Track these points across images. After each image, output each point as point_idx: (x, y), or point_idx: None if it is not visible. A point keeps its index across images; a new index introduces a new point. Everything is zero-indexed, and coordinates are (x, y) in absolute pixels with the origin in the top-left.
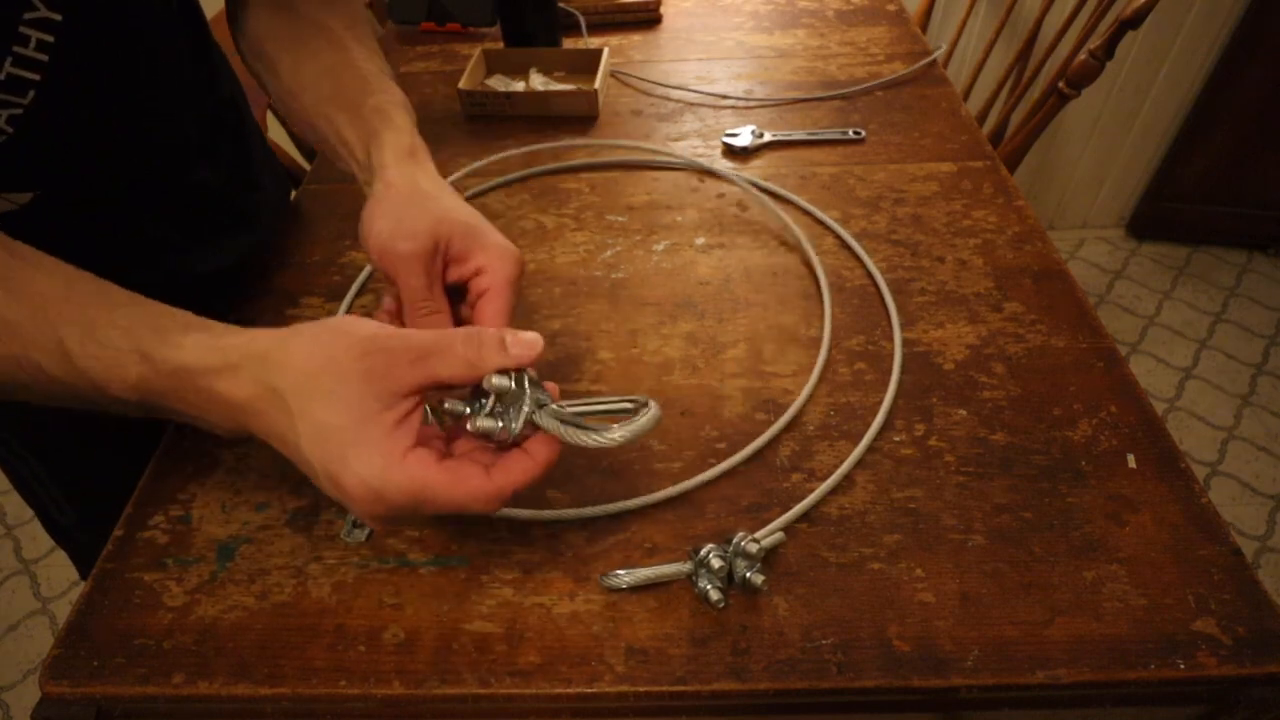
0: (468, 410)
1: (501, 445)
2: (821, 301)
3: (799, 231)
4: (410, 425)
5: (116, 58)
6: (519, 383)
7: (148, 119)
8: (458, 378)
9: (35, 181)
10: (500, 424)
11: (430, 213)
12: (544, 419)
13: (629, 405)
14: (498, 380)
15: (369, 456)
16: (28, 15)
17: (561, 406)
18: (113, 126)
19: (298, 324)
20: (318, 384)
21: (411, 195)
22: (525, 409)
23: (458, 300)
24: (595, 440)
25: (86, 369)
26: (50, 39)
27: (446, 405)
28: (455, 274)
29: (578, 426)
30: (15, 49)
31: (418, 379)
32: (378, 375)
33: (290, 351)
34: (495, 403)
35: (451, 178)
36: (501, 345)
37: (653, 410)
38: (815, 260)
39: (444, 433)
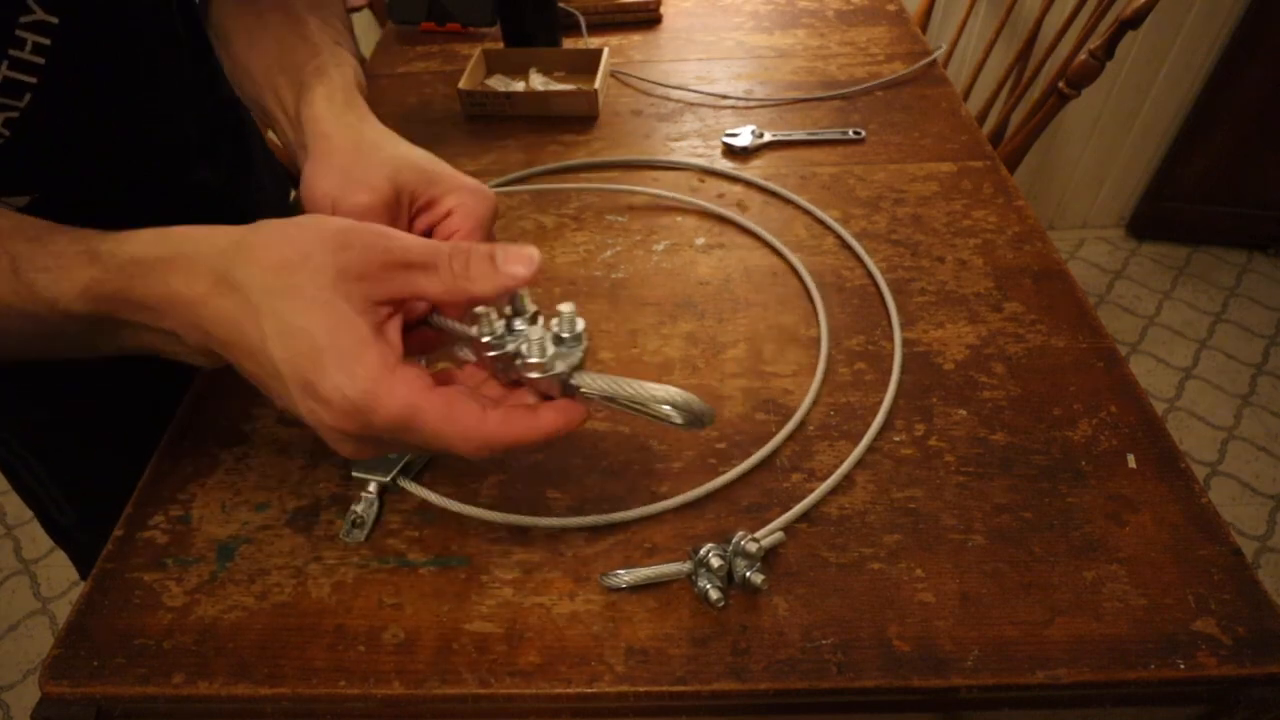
0: (488, 335)
1: (524, 380)
2: (819, 301)
3: (779, 244)
4: (391, 336)
5: (114, 59)
6: (580, 335)
7: (147, 120)
8: (440, 295)
9: (33, 184)
10: (546, 356)
11: (385, 161)
12: (587, 377)
13: (666, 405)
14: (577, 319)
15: (352, 366)
16: (23, 19)
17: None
18: (111, 128)
19: (263, 219)
20: (287, 280)
21: (358, 145)
22: (575, 359)
23: None
24: (652, 402)
25: (35, 282)
26: (46, 42)
27: (479, 313)
28: (425, 222)
29: (632, 389)
30: (11, 52)
31: (396, 289)
32: (353, 274)
33: (255, 244)
34: (542, 337)
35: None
36: (491, 261)
37: (710, 413)
38: (800, 267)
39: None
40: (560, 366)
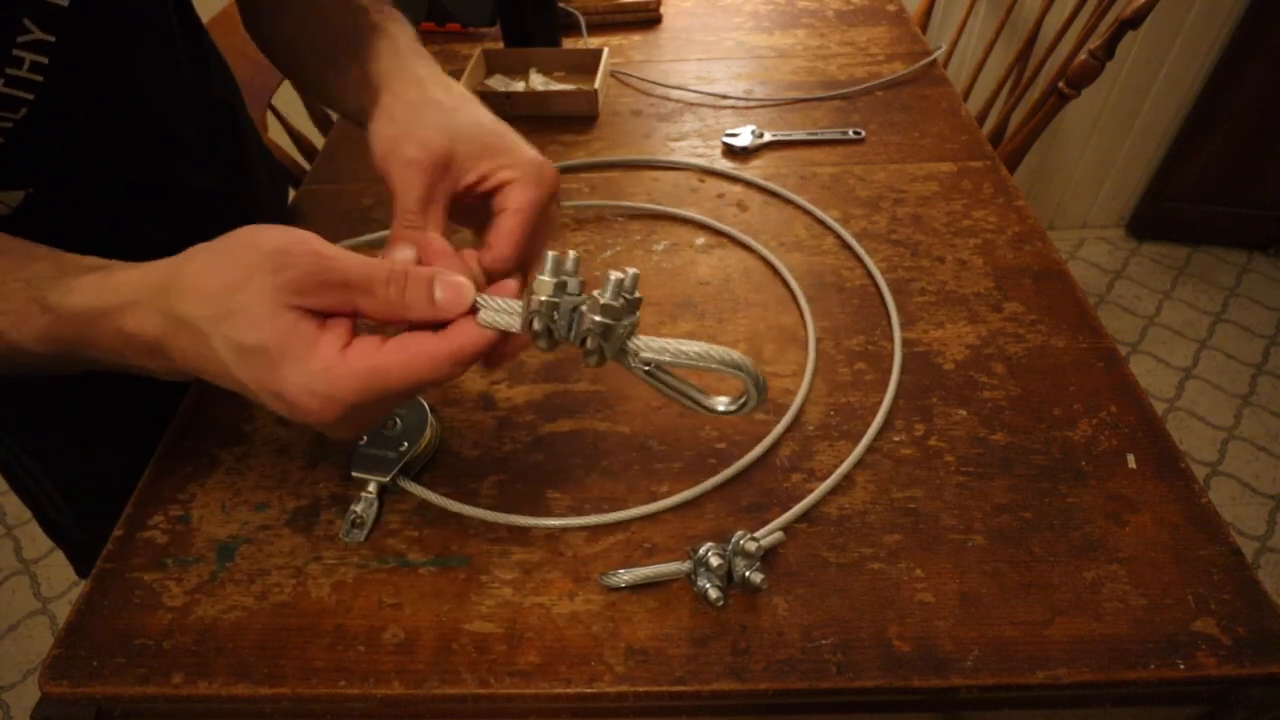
0: (545, 294)
1: (582, 335)
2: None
3: (755, 243)
4: (338, 327)
5: (113, 68)
6: (639, 301)
7: (143, 120)
8: (376, 315)
9: (28, 180)
10: (620, 303)
11: (448, 126)
12: (644, 340)
13: (716, 362)
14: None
15: (305, 363)
16: (21, 39)
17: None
18: (107, 129)
19: (200, 244)
20: (228, 304)
21: (423, 102)
22: (635, 319)
23: (484, 220)
24: (706, 405)
25: None
26: (44, 60)
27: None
28: (481, 194)
29: (682, 383)
30: (8, 71)
31: (333, 306)
32: (292, 290)
33: (191, 274)
34: (608, 291)
35: None
36: (428, 290)
37: (757, 397)
38: (779, 265)
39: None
40: (626, 321)
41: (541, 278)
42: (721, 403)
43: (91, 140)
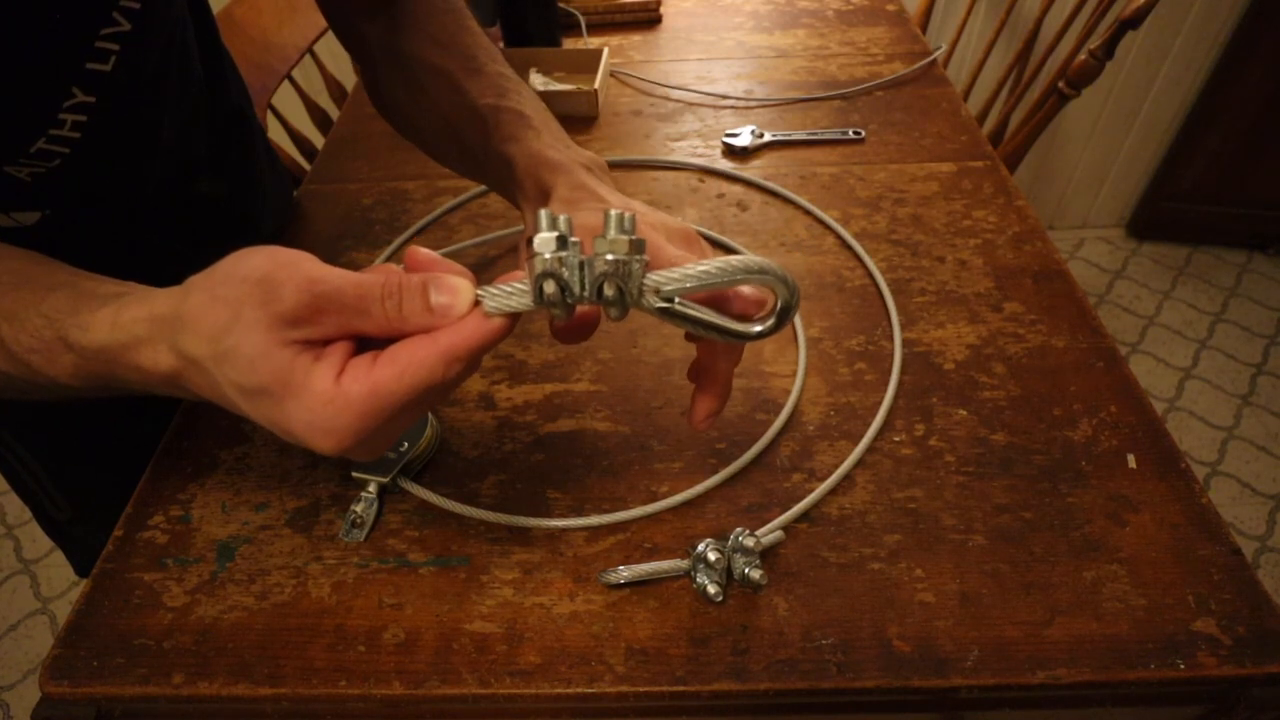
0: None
1: (602, 296)
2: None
3: (736, 245)
4: (333, 355)
5: (141, 110)
6: (636, 248)
7: (160, 143)
8: (377, 334)
9: (45, 204)
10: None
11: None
12: (659, 276)
13: (735, 272)
14: (625, 215)
15: (304, 400)
16: (67, 103)
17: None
18: (127, 158)
19: (199, 273)
20: (223, 345)
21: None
22: (641, 258)
23: None
24: (738, 330)
25: (30, 362)
26: (84, 119)
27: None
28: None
29: (708, 314)
30: (51, 132)
31: (331, 331)
32: (286, 321)
33: (190, 311)
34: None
35: (430, 216)
36: (424, 297)
37: (790, 300)
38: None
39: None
40: (639, 255)
41: (541, 236)
42: (755, 323)
43: (109, 170)
